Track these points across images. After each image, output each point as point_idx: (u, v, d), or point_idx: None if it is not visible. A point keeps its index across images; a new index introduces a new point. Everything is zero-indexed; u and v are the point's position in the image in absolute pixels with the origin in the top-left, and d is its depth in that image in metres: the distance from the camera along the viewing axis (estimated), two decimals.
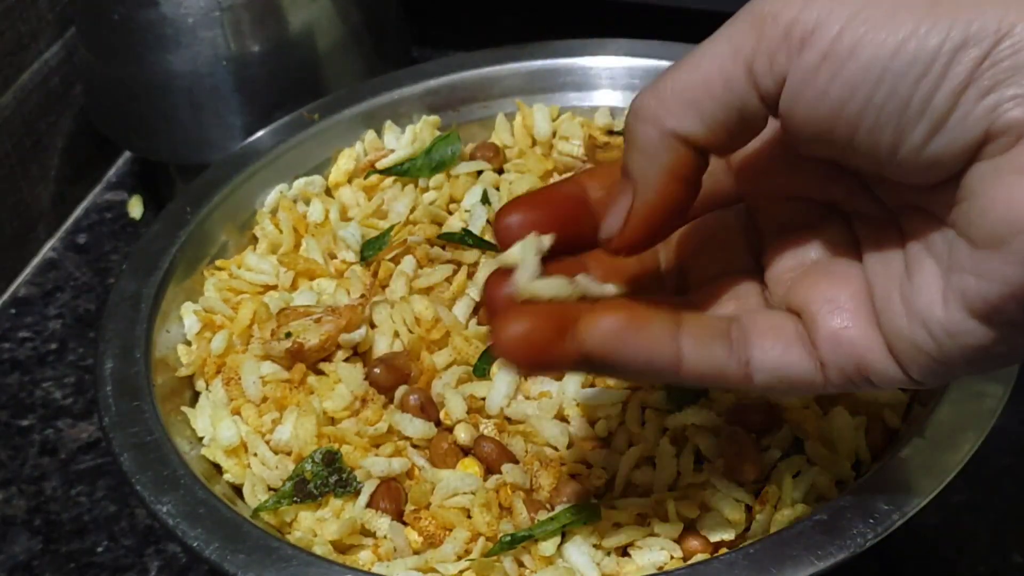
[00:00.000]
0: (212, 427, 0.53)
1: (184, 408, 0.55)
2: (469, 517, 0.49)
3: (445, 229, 0.61)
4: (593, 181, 0.39)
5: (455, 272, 0.59)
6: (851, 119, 0.31)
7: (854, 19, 0.30)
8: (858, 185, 0.36)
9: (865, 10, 0.30)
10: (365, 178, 0.65)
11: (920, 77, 0.30)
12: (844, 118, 0.31)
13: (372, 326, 0.56)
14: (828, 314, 0.35)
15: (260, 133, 0.67)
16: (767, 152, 0.38)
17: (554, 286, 0.37)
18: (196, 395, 0.57)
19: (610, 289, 0.38)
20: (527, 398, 0.53)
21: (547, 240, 0.38)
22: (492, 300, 0.38)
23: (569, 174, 0.64)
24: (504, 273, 0.38)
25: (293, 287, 0.60)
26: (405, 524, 0.50)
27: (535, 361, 0.36)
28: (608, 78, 0.68)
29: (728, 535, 0.47)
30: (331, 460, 0.50)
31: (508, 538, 0.47)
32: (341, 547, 0.49)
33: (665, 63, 0.67)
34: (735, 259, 0.40)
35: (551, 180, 0.64)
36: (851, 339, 0.34)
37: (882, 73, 0.30)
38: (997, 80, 0.29)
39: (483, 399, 0.52)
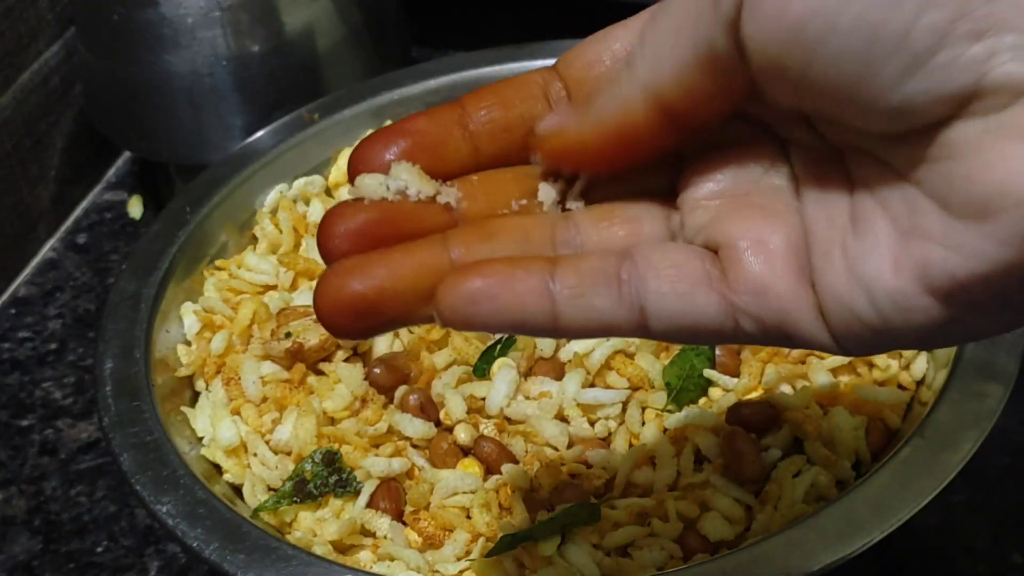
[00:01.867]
0: (212, 427, 0.53)
1: (184, 408, 0.55)
2: (469, 517, 0.49)
3: None
4: (476, 103, 0.33)
5: None
6: (809, 44, 0.26)
7: None
8: (795, 113, 0.30)
9: None
10: None
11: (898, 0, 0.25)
12: (801, 43, 0.26)
13: None
14: (755, 257, 0.30)
15: (260, 133, 0.67)
16: None
17: (378, 179, 0.31)
18: (196, 395, 0.57)
19: (448, 193, 0.32)
20: (527, 398, 0.53)
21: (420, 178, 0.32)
22: (329, 238, 0.31)
23: None
24: (350, 205, 0.31)
25: (293, 287, 0.60)
26: (405, 524, 0.50)
27: (367, 328, 0.30)
28: None
29: (728, 535, 0.47)
30: (331, 460, 0.50)
31: (508, 538, 0.47)
32: (341, 547, 0.49)
33: None
34: (644, 176, 0.33)
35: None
36: (778, 291, 0.29)
37: None
38: (993, 21, 0.24)
39: (483, 399, 0.52)
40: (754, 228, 0.30)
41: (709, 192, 0.32)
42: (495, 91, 0.34)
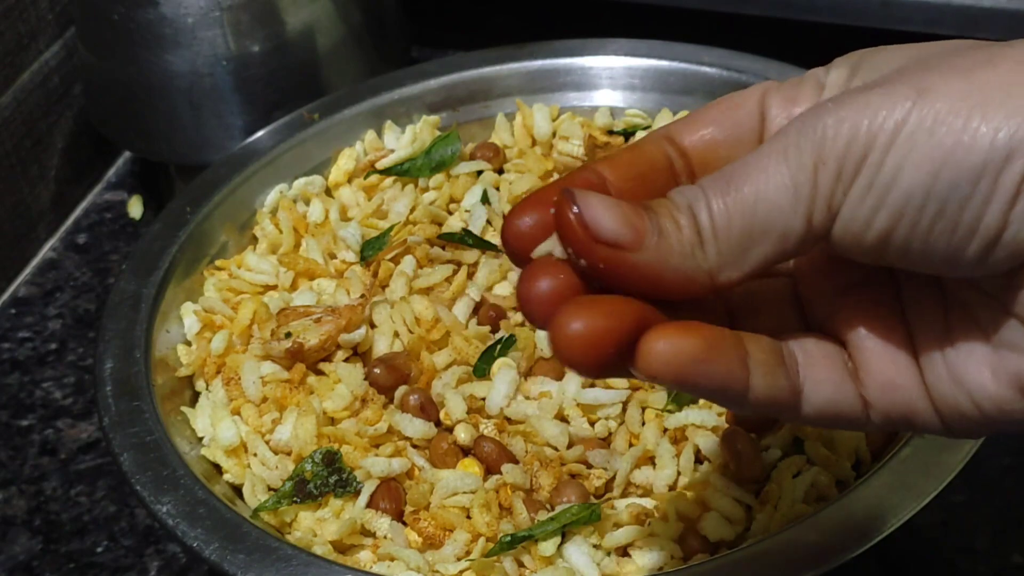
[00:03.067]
0: (212, 427, 0.53)
1: (184, 408, 0.55)
2: (469, 517, 0.49)
3: (445, 229, 0.61)
4: (612, 170, 0.33)
5: (455, 272, 0.59)
6: (899, 244, 0.30)
7: (897, 137, 0.29)
8: None
9: (908, 124, 0.29)
10: (365, 178, 0.65)
11: (966, 199, 0.28)
12: (893, 243, 0.30)
13: (372, 326, 0.56)
14: (884, 354, 0.33)
15: (260, 133, 0.67)
16: None
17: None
18: (196, 395, 0.57)
19: None
20: (527, 398, 0.53)
21: None
22: (531, 297, 0.31)
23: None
24: (543, 265, 0.32)
25: (293, 287, 0.60)
26: (405, 524, 0.50)
27: (605, 363, 0.31)
28: (608, 78, 0.68)
29: (728, 535, 0.47)
30: (331, 460, 0.50)
31: (508, 538, 0.47)
32: (341, 547, 0.49)
33: (665, 63, 0.67)
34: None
35: (551, 180, 0.64)
36: (906, 387, 0.32)
37: (925, 198, 0.29)
38: None
39: (483, 399, 0.52)
40: (878, 325, 0.33)
41: (831, 287, 0.34)
42: (629, 162, 0.34)
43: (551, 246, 0.32)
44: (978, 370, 0.31)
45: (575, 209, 0.30)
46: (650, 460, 0.50)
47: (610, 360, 0.30)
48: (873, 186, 0.29)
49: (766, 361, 0.32)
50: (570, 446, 0.51)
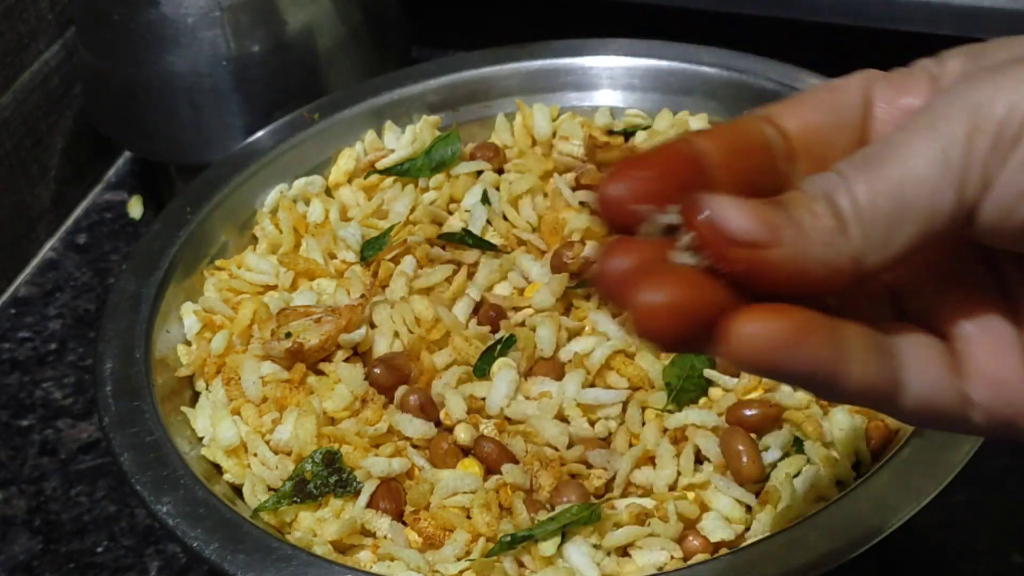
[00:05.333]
0: (212, 427, 0.53)
1: (184, 408, 0.55)
2: (469, 517, 0.49)
3: (445, 229, 0.61)
4: (710, 141, 0.31)
5: (455, 272, 0.59)
6: None
7: None
8: None
9: None
10: (365, 178, 0.65)
11: None
12: None
13: (372, 326, 0.56)
14: (992, 351, 0.31)
15: (260, 133, 0.67)
16: None
17: None
18: (196, 395, 0.57)
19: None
20: (527, 398, 0.53)
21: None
22: (609, 275, 0.29)
23: (569, 171, 0.64)
24: (624, 242, 0.30)
25: (293, 287, 0.60)
26: (405, 524, 0.50)
27: (684, 335, 0.29)
28: (608, 78, 0.68)
29: (728, 535, 0.47)
30: (331, 460, 0.50)
31: (508, 538, 0.47)
32: (341, 547, 0.49)
33: (665, 63, 0.67)
34: None
35: (551, 180, 0.64)
36: (1015, 386, 0.30)
37: None
38: None
39: (483, 399, 0.52)
40: (984, 321, 0.31)
41: (929, 279, 0.32)
42: (729, 135, 0.32)
43: (654, 227, 0.30)
44: None
45: (704, 213, 0.29)
46: (650, 460, 0.50)
47: (691, 335, 0.29)
48: None
49: (863, 347, 0.30)
50: (570, 446, 0.51)
